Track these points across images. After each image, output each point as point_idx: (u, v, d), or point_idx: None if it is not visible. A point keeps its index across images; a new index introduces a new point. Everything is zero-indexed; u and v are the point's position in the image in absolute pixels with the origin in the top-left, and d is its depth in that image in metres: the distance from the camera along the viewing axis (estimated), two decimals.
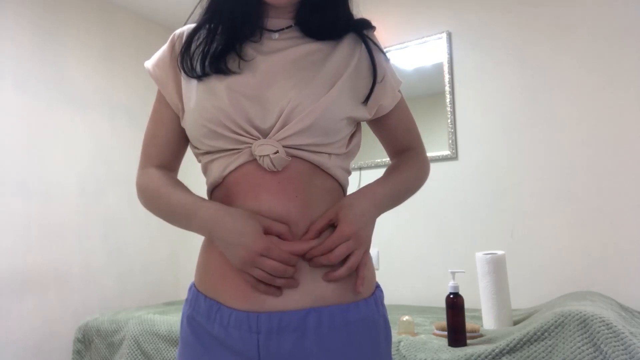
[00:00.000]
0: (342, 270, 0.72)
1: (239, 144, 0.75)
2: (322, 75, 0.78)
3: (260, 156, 0.73)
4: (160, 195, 0.81)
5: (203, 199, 0.78)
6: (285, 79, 0.76)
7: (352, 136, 0.84)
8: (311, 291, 0.72)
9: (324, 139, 0.76)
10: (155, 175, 0.83)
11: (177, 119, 0.84)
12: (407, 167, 0.89)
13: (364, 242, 0.74)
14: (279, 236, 0.72)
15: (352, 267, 0.73)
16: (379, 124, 0.91)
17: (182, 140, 0.87)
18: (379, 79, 0.83)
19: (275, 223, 0.72)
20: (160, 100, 0.85)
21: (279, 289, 0.71)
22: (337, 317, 0.72)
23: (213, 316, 0.73)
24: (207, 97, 0.75)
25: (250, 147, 0.74)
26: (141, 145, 0.87)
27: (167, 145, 0.85)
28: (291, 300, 0.71)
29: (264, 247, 0.68)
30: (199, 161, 0.83)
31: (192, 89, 0.78)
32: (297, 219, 0.73)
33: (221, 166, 0.77)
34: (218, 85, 0.76)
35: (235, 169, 0.75)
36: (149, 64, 0.86)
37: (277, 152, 0.72)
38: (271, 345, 0.70)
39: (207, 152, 0.79)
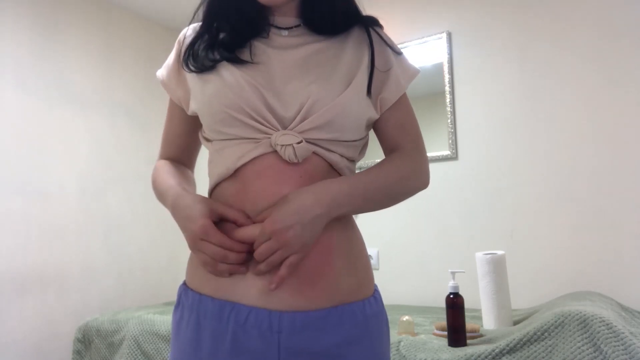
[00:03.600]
0: (262, 266, 0.70)
1: (258, 133, 0.74)
2: (339, 72, 0.79)
3: (282, 146, 0.72)
4: (156, 182, 0.87)
5: (177, 186, 0.81)
6: (302, 75, 0.77)
7: (362, 146, 0.85)
8: (329, 289, 0.73)
9: (341, 135, 0.77)
10: (161, 164, 0.91)
11: (185, 117, 0.88)
12: (386, 166, 0.81)
13: (290, 242, 0.68)
14: (235, 222, 0.72)
15: (270, 265, 0.69)
16: (375, 122, 0.86)
17: (191, 136, 0.91)
18: (381, 68, 0.83)
19: (230, 210, 0.73)
20: (170, 99, 0.91)
21: (231, 272, 0.72)
22: (357, 313, 0.74)
23: (226, 316, 0.71)
24: (226, 85, 0.75)
25: (269, 138, 0.74)
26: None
27: (175, 141, 0.93)
28: (313, 298, 0.72)
29: (202, 231, 0.70)
30: (207, 148, 0.84)
31: (206, 80, 0.78)
32: None
33: (233, 155, 0.75)
34: (235, 74, 0.76)
35: (251, 160, 0.74)
36: (161, 68, 0.90)
37: (300, 142, 0.72)
38: (292, 343, 0.70)
39: (219, 140, 0.79)
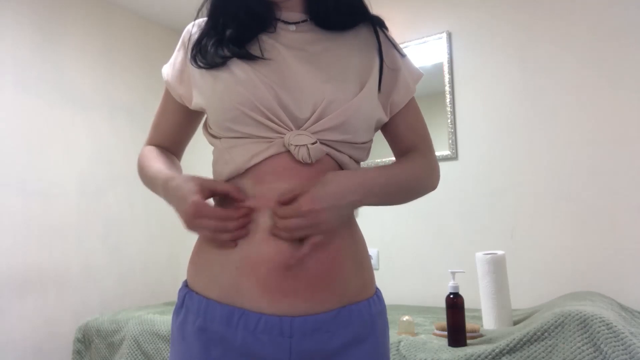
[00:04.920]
0: (283, 234, 0.70)
1: (270, 132, 0.73)
2: (352, 73, 0.79)
3: (296, 146, 0.72)
4: (144, 166, 0.87)
5: (166, 169, 0.81)
6: (315, 73, 0.76)
7: (369, 148, 0.85)
8: (339, 291, 0.73)
9: (353, 137, 0.77)
10: (148, 149, 0.91)
11: (179, 110, 0.88)
12: (408, 163, 0.83)
13: (321, 223, 0.69)
14: (227, 196, 0.73)
15: (291, 238, 0.70)
16: (386, 126, 0.87)
17: (182, 129, 0.92)
18: (390, 65, 0.84)
19: (220, 183, 0.74)
20: (166, 92, 0.90)
21: (233, 242, 0.72)
22: (363, 312, 0.75)
23: (235, 322, 0.70)
24: (238, 81, 0.74)
25: (282, 137, 0.73)
26: (143, 145, 0.94)
27: (166, 132, 0.92)
28: (324, 301, 0.72)
29: (194, 209, 0.70)
30: (212, 144, 0.82)
31: (216, 76, 0.77)
32: None
33: (246, 154, 0.74)
34: (247, 71, 0.75)
35: (264, 159, 0.74)
36: (164, 68, 0.89)
37: (315, 142, 0.72)
38: (304, 347, 0.70)
39: (229, 138, 0.77)
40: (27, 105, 2.40)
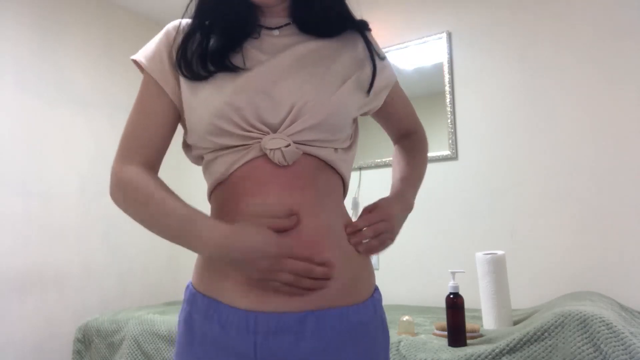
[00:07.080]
0: (370, 241, 0.78)
1: (247, 140, 0.74)
2: (332, 73, 0.79)
3: (271, 150, 0.72)
4: (153, 201, 0.74)
5: (199, 212, 0.73)
6: (295, 75, 0.76)
7: (353, 137, 0.85)
8: (312, 292, 0.70)
9: (331, 135, 0.77)
10: (146, 176, 0.76)
11: (169, 114, 0.79)
12: (419, 159, 0.97)
13: (395, 232, 0.81)
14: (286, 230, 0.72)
15: (382, 243, 0.79)
16: (383, 113, 0.94)
17: (169, 138, 0.82)
18: (380, 67, 0.86)
19: (278, 220, 0.71)
20: (150, 92, 0.80)
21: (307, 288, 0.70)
22: (336, 319, 0.71)
23: (211, 314, 0.72)
24: (215, 93, 0.74)
25: (259, 142, 0.73)
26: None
27: (154, 141, 0.79)
28: (292, 301, 0.70)
29: (287, 250, 0.69)
30: (199, 158, 0.81)
31: (196, 88, 0.76)
32: (305, 214, 0.73)
33: (226, 163, 0.75)
34: (226, 81, 0.75)
35: (243, 164, 0.74)
36: (141, 57, 0.82)
37: (289, 145, 0.73)
38: (268, 346, 0.69)
39: (212, 150, 0.77)
40: (27, 105, 2.40)
